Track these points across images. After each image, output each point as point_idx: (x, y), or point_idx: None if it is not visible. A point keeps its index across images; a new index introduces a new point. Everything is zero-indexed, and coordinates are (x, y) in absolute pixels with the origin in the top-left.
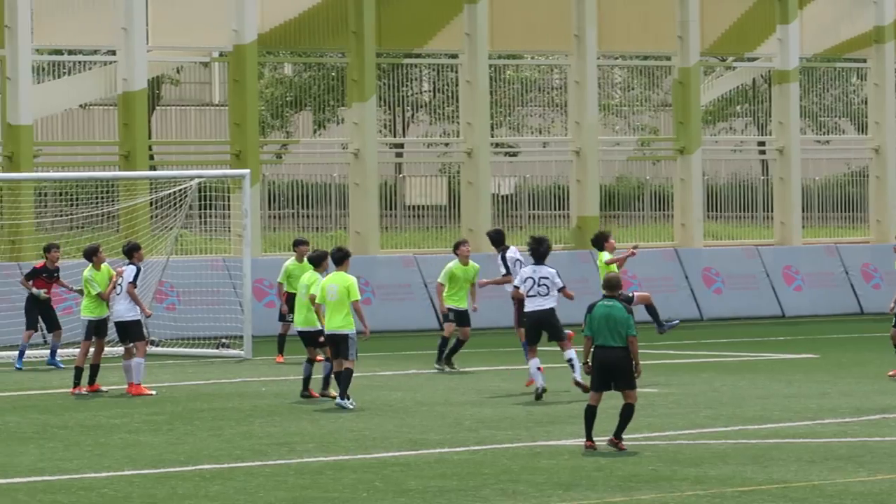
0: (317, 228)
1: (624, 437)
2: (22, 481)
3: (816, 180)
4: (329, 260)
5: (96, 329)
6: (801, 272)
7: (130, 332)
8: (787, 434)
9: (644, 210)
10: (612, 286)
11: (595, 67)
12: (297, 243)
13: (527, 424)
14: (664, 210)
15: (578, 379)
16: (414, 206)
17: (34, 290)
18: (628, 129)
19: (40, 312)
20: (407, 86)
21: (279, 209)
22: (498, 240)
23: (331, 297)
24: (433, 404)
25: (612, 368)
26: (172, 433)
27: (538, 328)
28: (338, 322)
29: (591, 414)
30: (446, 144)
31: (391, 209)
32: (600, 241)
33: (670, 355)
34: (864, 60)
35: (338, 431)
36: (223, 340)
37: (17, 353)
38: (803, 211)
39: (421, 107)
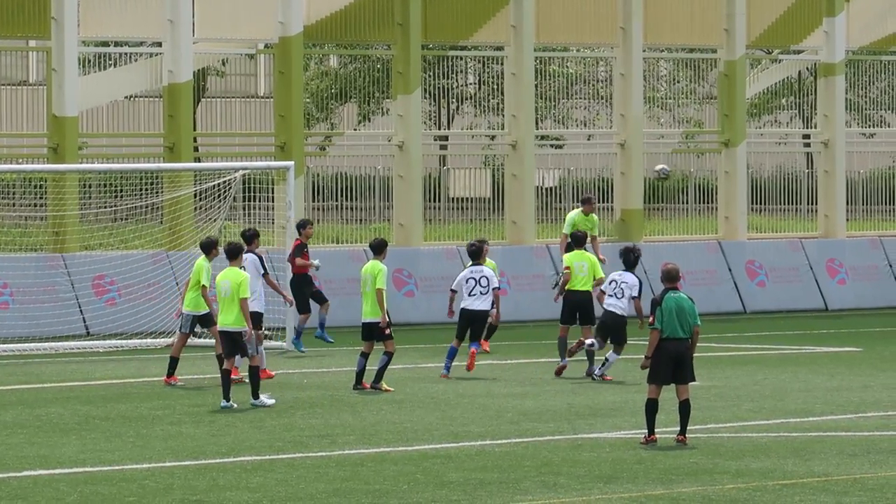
0: (360, 220)
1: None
2: (63, 472)
3: (861, 173)
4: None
5: (196, 323)
6: (845, 265)
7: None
8: (829, 427)
9: (688, 203)
10: (671, 277)
11: (640, 60)
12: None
13: (568, 417)
14: (708, 203)
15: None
16: (458, 199)
17: (308, 262)
18: (673, 121)
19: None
20: (452, 78)
21: (323, 201)
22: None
23: (224, 293)
24: (475, 396)
25: (682, 359)
26: (214, 425)
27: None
28: (231, 319)
29: (654, 407)
30: (491, 137)
31: (435, 201)
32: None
33: (713, 348)
34: None
35: (379, 423)
36: (265, 332)
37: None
38: (847, 204)
39: (466, 99)
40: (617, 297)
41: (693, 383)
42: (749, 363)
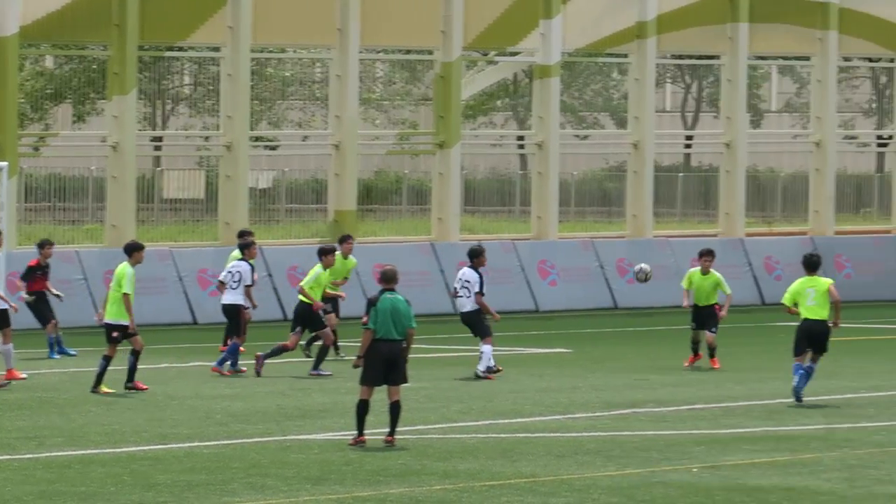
0: (73, 222)
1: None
2: None
3: (574, 175)
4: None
5: None
6: (557, 266)
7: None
8: (538, 428)
9: (402, 204)
10: (388, 279)
11: (357, 61)
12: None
13: (277, 418)
14: (422, 204)
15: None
16: (171, 200)
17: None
18: (388, 122)
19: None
20: (168, 79)
21: (36, 202)
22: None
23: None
24: (184, 398)
25: (395, 361)
26: None
27: None
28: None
29: (364, 408)
30: (206, 138)
31: (148, 202)
32: None
33: (425, 350)
34: (626, 56)
35: (87, 425)
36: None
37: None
38: (560, 205)
39: (182, 100)
40: (465, 297)
41: (404, 385)
42: (459, 364)
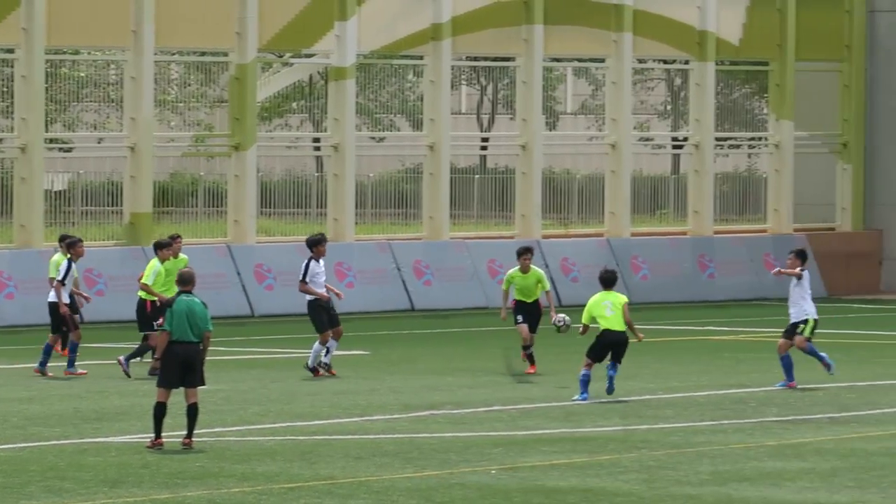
0: None
1: (172, 434)
2: None
3: (371, 177)
4: None
5: None
6: (354, 268)
7: None
8: (336, 431)
9: (198, 206)
10: (185, 281)
11: (151, 63)
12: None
13: (74, 421)
14: (218, 206)
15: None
16: None
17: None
18: (184, 124)
19: None
20: None
21: None
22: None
23: None
24: None
25: (191, 363)
26: None
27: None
28: None
29: (162, 411)
30: None
31: None
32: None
33: (221, 352)
34: (422, 57)
35: None
36: None
37: None
38: (357, 207)
39: None
40: None
41: (202, 387)
42: (257, 367)
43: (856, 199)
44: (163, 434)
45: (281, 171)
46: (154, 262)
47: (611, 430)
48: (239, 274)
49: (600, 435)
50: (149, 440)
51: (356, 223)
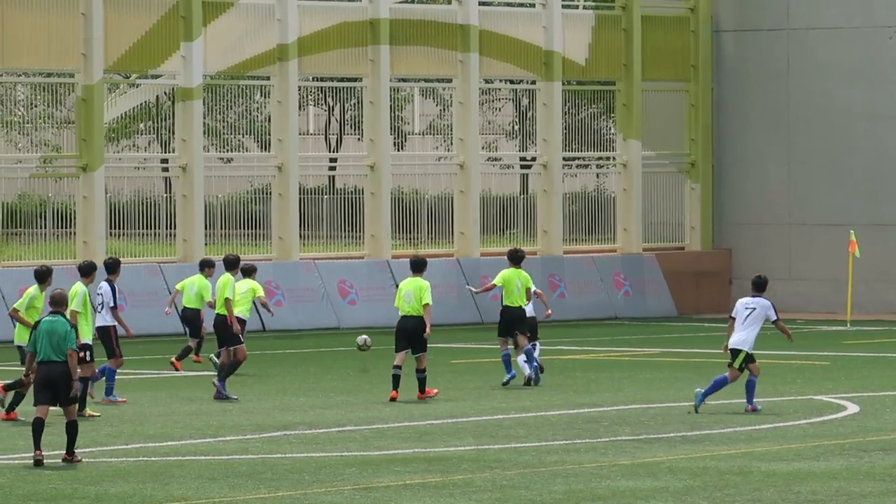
0: None
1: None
2: None
3: (220, 197)
4: None
5: None
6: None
7: None
8: (189, 451)
9: (47, 228)
10: (56, 302)
11: None
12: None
13: None
14: (67, 227)
15: None
16: None
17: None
18: (31, 146)
19: None
20: None
21: None
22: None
23: None
24: None
25: (56, 382)
26: None
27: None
28: None
29: (38, 426)
30: None
31: None
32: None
33: None
34: (269, 78)
35: None
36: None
37: None
38: (206, 228)
39: None
40: None
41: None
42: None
43: (704, 218)
44: (42, 448)
45: (129, 192)
46: (228, 279)
47: (464, 450)
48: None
49: (453, 455)
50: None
51: (205, 244)
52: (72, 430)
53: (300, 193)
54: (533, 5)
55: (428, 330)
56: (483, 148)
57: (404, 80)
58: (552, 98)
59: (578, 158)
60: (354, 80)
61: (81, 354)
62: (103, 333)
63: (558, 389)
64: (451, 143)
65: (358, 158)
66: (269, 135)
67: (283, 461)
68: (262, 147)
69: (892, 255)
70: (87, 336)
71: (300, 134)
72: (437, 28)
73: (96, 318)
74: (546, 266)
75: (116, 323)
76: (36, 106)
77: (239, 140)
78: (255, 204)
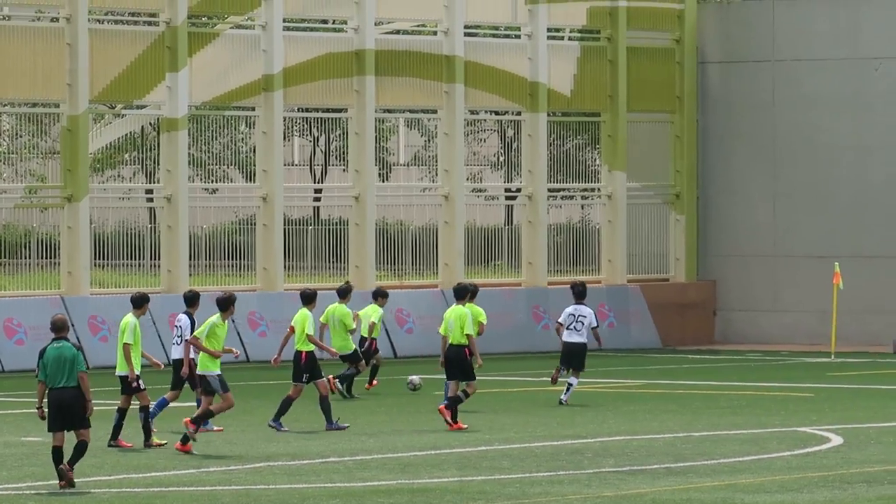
0: None
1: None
2: None
3: (204, 228)
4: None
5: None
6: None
7: None
8: (172, 482)
9: (31, 258)
10: (58, 328)
11: None
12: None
13: None
14: (51, 258)
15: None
16: None
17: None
18: (16, 176)
19: None
20: None
21: None
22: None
23: None
24: None
25: (69, 406)
26: None
27: None
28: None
29: (58, 455)
30: None
31: None
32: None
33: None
34: (254, 109)
35: None
36: None
37: None
38: (191, 259)
39: None
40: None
41: (36, 439)
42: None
43: (689, 249)
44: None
45: (114, 222)
46: (305, 314)
47: (447, 482)
48: (73, 326)
49: (437, 486)
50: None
51: (190, 275)
52: (81, 449)
53: (285, 224)
54: (518, 36)
55: (477, 360)
56: (468, 179)
57: (389, 111)
58: (537, 129)
59: (563, 190)
60: (339, 110)
61: (135, 385)
62: (178, 365)
63: (542, 421)
64: (436, 174)
65: (343, 189)
66: (254, 165)
67: (266, 492)
68: (246, 178)
69: (877, 287)
70: (137, 367)
71: (285, 165)
72: (423, 59)
73: (173, 349)
74: (531, 298)
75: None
76: (21, 136)
77: (224, 171)
78: (240, 234)
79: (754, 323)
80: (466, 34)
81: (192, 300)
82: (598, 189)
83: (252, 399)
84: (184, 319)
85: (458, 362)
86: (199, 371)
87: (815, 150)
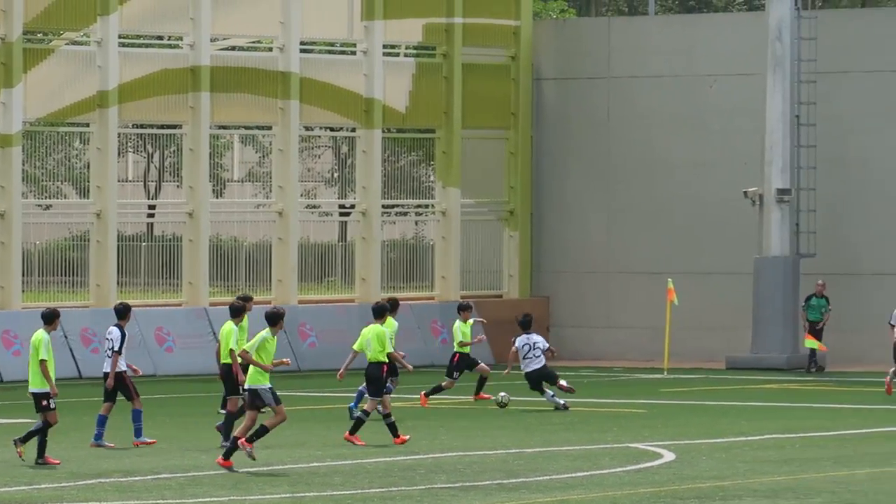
0: None
1: None
2: None
3: (37, 244)
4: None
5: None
6: (21, 337)
7: None
8: (3, 500)
9: None
10: None
11: None
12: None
13: None
14: None
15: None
16: None
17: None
18: None
19: None
20: None
21: None
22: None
23: None
24: None
25: None
26: None
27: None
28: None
29: None
30: None
31: None
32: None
33: None
34: (88, 125)
35: None
36: None
37: None
38: (24, 275)
39: None
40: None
41: None
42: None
43: (522, 266)
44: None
45: None
46: (231, 328)
47: (279, 498)
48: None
49: (269, 502)
50: None
51: (23, 291)
52: None
53: (118, 240)
54: (354, 53)
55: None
56: (302, 195)
57: (224, 128)
58: (372, 145)
59: (397, 206)
60: (174, 126)
61: (45, 403)
62: (119, 378)
63: (375, 437)
64: (271, 191)
65: (177, 205)
66: (88, 182)
67: None
68: (80, 194)
69: (710, 304)
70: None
71: (119, 181)
72: (258, 75)
73: (106, 363)
74: (364, 314)
75: (125, 367)
76: None
77: (58, 187)
78: (74, 251)
79: (588, 339)
80: (302, 50)
81: (122, 312)
82: (433, 205)
83: (85, 416)
84: (115, 332)
85: (377, 379)
86: (248, 385)
87: (649, 166)
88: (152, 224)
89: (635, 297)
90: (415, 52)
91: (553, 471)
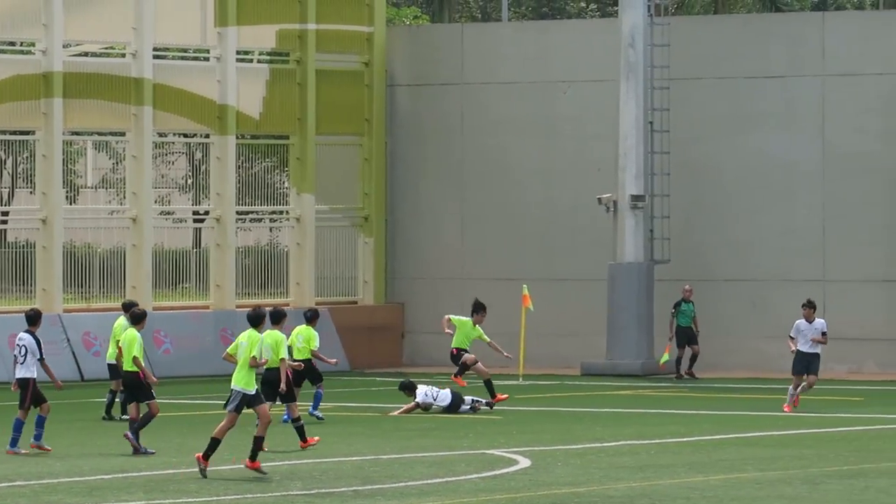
0: None
1: None
2: None
3: None
4: None
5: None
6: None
7: None
8: None
9: None
10: None
11: None
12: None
13: None
14: None
15: None
16: None
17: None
18: None
19: None
20: None
21: None
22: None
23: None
24: None
25: None
26: None
27: None
28: None
29: None
30: None
31: None
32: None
33: None
34: None
35: None
36: None
37: None
38: None
39: None
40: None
41: None
42: None
43: (377, 272)
44: None
45: None
46: (134, 335)
47: None
48: None
49: None
50: None
51: None
52: None
53: None
54: (207, 59)
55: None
56: (156, 201)
57: (77, 134)
58: (226, 152)
59: (252, 212)
60: (27, 133)
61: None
62: (25, 384)
63: (231, 444)
64: (125, 197)
65: (30, 212)
66: None
67: None
68: None
69: (565, 310)
70: None
71: None
72: (111, 81)
73: (17, 369)
74: (219, 320)
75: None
76: None
77: None
78: None
79: (442, 346)
80: (155, 56)
81: (34, 319)
82: (287, 212)
83: None
84: (26, 338)
85: (277, 384)
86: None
87: (503, 173)
88: (5, 230)
89: (490, 304)
90: (268, 58)
91: (409, 477)
